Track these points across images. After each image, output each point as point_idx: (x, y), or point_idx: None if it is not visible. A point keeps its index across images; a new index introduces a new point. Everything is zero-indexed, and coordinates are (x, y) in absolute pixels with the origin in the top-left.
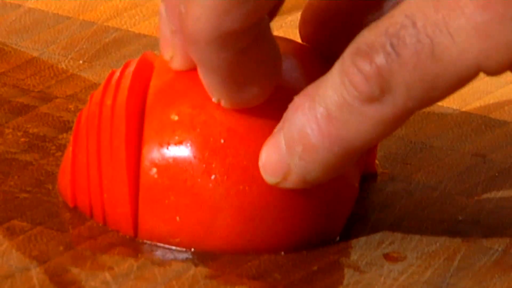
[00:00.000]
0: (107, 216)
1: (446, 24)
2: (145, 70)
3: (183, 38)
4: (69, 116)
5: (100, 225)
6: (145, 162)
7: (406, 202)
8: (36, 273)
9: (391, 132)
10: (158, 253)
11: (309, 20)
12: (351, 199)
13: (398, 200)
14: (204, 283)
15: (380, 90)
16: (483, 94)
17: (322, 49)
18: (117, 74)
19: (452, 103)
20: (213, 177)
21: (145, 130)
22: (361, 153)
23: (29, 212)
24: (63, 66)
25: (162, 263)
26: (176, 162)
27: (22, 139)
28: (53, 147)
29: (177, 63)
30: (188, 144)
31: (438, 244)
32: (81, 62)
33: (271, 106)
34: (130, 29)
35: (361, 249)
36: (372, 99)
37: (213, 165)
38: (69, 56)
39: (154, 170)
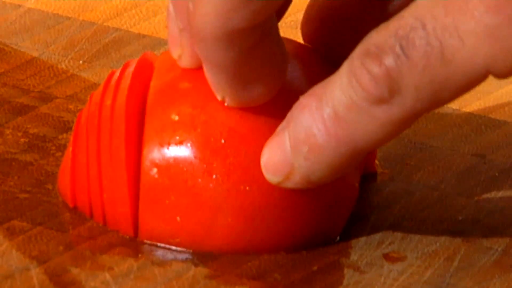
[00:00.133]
0: (107, 216)
1: (456, 27)
2: (145, 70)
3: (190, 36)
4: (69, 116)
5: (100, 225)
6: (146, 162)
7: (406, 202)
8: (36, 273)
9: (398, 133)
10: (158, 253)
11: (312, 19)
12: (351, 199)
13: (398, 200)
14: (204, 283)
15: (389, 92)
16: (483, 94)
17: (324, 48)
18: (117, 74)
19: (452, 103)
20: (213, 177)
21: (145, 130)
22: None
23: (29, 212)
24: (63, 66)
25: (162, 263)
26: (177, 162)
27: (22, 139)
28: (53, 147)
29: (185, 61)
30: (189, 144)
31: (438, 244)
32: (81, 62)
33: (272, 106)
34: (130, 29)
35: (361, 249)
36: (380, 101)
37: (214, 165)
38: (69, 56)
39: (155, 170)
